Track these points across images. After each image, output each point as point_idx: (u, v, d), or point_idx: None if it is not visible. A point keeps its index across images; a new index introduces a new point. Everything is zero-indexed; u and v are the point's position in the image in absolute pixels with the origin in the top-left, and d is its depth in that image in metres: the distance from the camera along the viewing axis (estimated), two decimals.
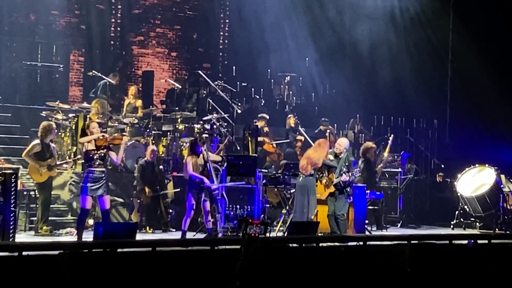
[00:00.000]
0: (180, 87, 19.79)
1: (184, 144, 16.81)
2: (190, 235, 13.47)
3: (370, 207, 16.13)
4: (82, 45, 20.86)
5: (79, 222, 12.62)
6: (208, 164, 13.30)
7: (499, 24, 19.96)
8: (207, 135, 15.86)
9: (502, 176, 17.47)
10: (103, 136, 12.54)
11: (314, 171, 13.68)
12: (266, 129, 18.45)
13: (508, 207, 17.03)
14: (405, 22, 21.29)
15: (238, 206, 14.66)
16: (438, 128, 20.79)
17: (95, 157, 12.28)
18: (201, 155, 13.34)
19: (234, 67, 21.67)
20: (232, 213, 14.52)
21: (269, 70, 21.66)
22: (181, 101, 19.89)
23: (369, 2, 21.18)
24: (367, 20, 21.03)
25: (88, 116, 16.32)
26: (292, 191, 14.73)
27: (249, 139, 16.31)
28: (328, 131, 18.73)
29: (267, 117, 18.60)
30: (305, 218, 13.44)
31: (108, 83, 17.74)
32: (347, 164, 13.61)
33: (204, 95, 19.96)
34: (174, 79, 20.90)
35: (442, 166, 19.60)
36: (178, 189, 15.28)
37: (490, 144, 19.14)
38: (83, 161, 12.91)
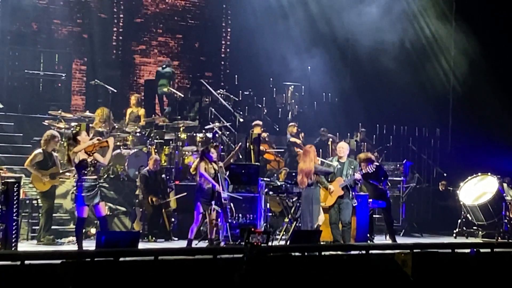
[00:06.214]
0: (183, 96, 19.80)
1: (187, 153, 16.82)
2: (193, 243, 13.43)
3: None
4: (84, 54, 20.88)
5: (77, 231, 12.42)
6: (218, 174, 13.28)
7: (502, 33, 19.98)
8: (216, 144, 15.79)
9: (505, 185, 17.46)
10: (92, 143, 12.42)
11: (313, 180, 13.67)
12: (264, 135, 18.33)
13: (511, 216, 17.01)
14: (408, 32, 21.27)
15: (240, 215, 14.60)
16: (441, 137, 20.79)
17: (88, 165, 12.08)
18: (213, 163, 13.27)
19: (236, 76, 21.65)
20: (234, 221, 14.46)
21: (271, 79, 21.63)
22: (183, 110, 19.89)
23: (372, 13, 21.15)
24: (370, 30, 21.00)
25: (91, 125, 16.29)
26: (294, 199, 14.73)
27: (251, 147, 16.28)
28: (330, 139, 18.69)
29: (261, 123, 18.46)
30: (309, 227, 13.43)
31: (110, 92, 17.71)
32: (352, 166, 13.69)
33: (206, 104, 19.96)
34: (176, 88, 20.90)
35: (445, 174, 19.59)
36: (182, 194, 15.20)
37: (492, 152, 19.14)
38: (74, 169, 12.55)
